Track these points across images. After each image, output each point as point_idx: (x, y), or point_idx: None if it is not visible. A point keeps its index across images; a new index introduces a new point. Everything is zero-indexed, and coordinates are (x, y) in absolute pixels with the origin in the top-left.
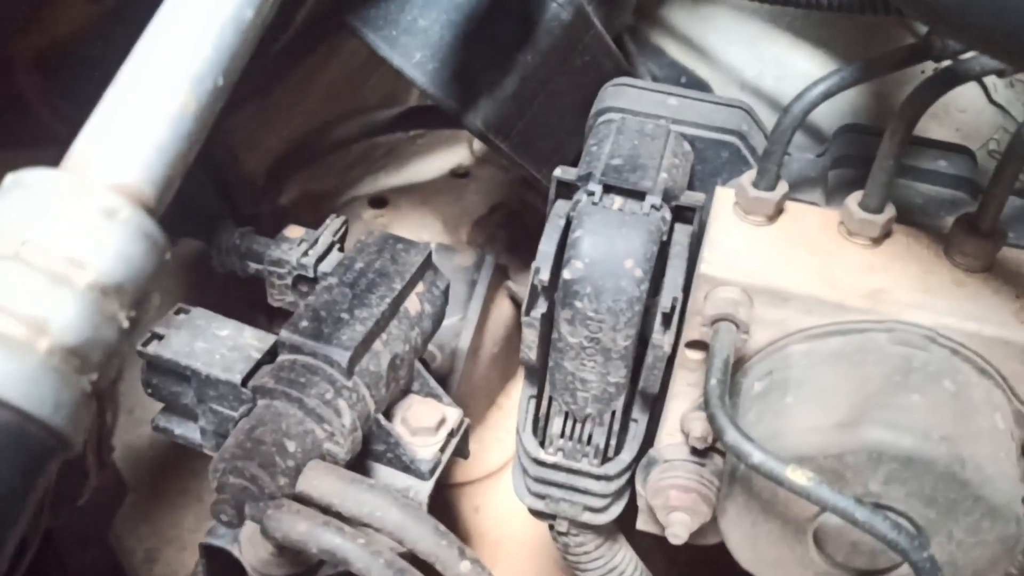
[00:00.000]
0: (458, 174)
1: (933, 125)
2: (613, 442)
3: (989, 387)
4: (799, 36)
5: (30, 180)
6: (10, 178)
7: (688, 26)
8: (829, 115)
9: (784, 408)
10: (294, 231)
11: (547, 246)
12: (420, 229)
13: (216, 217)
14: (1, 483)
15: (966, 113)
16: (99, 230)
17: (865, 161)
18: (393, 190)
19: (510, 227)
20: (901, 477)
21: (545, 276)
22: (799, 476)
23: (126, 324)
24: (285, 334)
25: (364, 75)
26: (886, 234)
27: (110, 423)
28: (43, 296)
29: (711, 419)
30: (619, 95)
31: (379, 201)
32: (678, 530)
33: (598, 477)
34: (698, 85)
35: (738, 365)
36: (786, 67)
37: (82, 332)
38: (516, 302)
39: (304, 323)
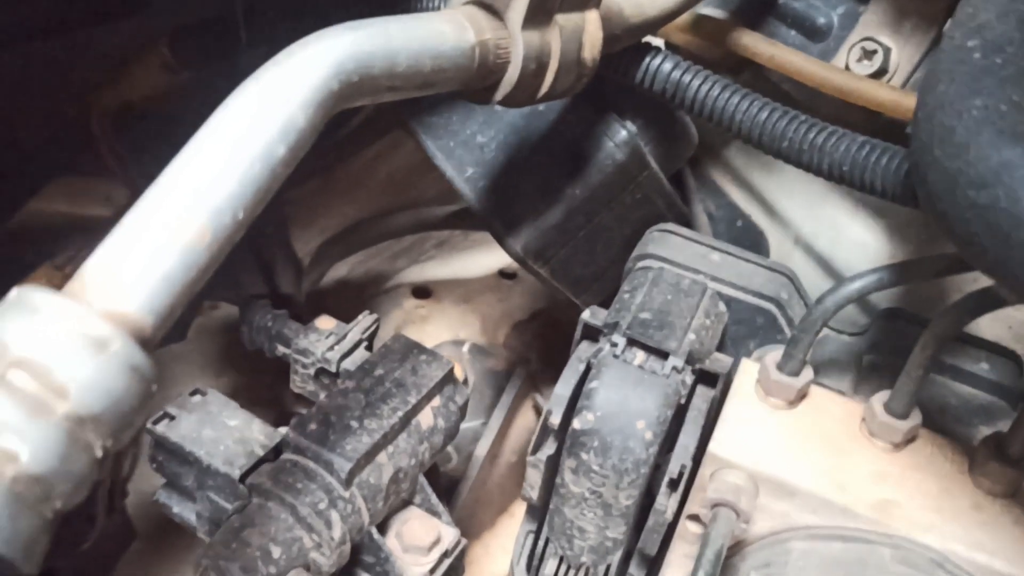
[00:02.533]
0: (506, 275)
1: (985, 320)
2: None
3: None
4: (859, 204)
5: (31, 301)
6: (13, 294)
7: (750, 171)
8: None
9: None
10: (325, 322)
11: (563, 389)
12: (459, 326)
13: (253, 295)
14: None
15: (1022, 312)
16: (87, 361)
17: (901, 352)
18: (438, 282)
19: (549, 336)
20: None
21: (556, 420)
22: None
23: (99, 453)
24: (292, 434)
25: (425, 169)
26: (909, 440)
27: (127, 470)
28: (19, 424)
29: None
30: (662, 242)
31: (423, 291)
32: None
33: None
34: (754, 232)
35: (737, 548)
36: (842, 232)
37: (50, 462)
38: (541, 414)
39: (312, 425)
